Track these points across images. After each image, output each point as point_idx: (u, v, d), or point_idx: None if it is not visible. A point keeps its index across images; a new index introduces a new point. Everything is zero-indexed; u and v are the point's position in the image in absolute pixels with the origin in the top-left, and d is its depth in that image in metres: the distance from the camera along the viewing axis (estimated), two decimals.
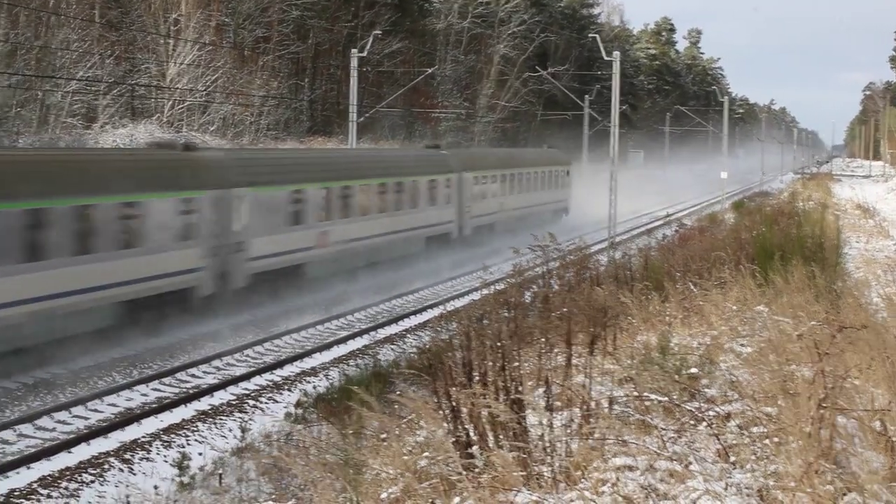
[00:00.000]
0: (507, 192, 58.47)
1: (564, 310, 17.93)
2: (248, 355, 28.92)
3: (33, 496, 17.88)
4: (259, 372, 26.88)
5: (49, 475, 18.83)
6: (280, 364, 27.80)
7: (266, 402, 24.14)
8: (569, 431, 12.42)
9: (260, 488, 16.98)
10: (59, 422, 22.15)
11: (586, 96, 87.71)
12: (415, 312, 35.57)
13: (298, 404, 22.22)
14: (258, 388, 25.45)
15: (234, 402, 24.01)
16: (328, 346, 30.05)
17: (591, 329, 15.47)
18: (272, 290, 35.29)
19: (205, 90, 64.02)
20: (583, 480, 11.14)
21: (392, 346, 29.93)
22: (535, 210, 62.41)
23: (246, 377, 26.27)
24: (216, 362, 27.84)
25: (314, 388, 24.63)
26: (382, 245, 43.08)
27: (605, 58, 55.12)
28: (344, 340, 30.88)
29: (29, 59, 53.65)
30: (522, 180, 61.69)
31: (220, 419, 22.66)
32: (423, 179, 47.70)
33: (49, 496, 18.03)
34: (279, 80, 73.99)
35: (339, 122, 71.49)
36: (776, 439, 10.86)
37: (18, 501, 17.59)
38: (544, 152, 74.10)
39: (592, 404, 13.19)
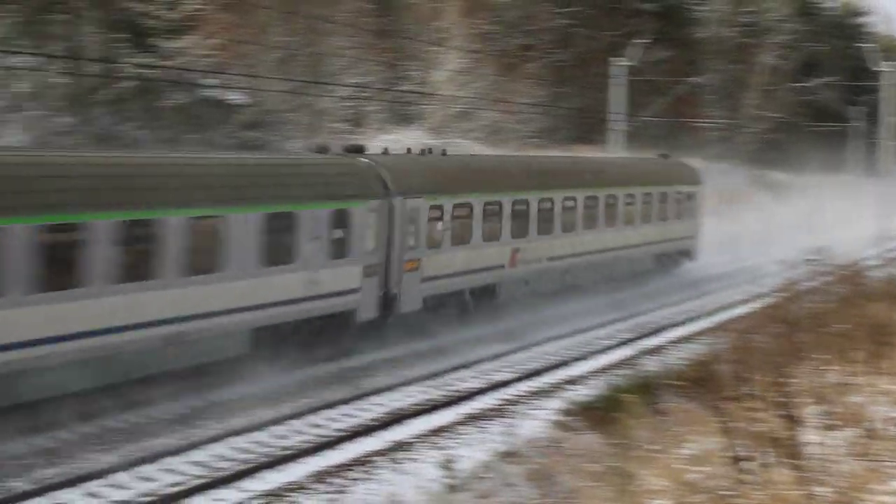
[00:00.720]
0: (534, 230, 34.92)
1: (841, 326, 17.47)
2: (509, 361, 29.15)
3: (306, 490, 18.41)
4: (522, 379, 27.12)
5: (319, 471, 19.34)
6: (539, 372, 28.03)
7: (530, 409, 24.26)
8: (847, 451, 12.15)
9: (525, 493, 17.06)
10: (328, 419, 22.75)
11: (856, 107, 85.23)
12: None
13: (567, 412, 22.24)
14: (522, 393, 25.64)
15: (497, 407, 24.23)
16: (586, 357, 30.18)
17: (870, 346, 15.07)
18: None
19: (468, 97, 64.87)
20: (860, 502, 10.91)
21: (655, 358, 29.76)
22: (617, 256, 40.19)
23: (509, 383, 26.54)
24: (481, 366, 28.24)
25: (576, 395, 24.64)
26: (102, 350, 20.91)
27: (872, 68, 53.62)
28: (604, 351, 30.90)
29: (296, 65, 55.23)
30: (579, 208, 37.52)
31: (484, 423, 22.87)
32: (248, 215, 24.01)
33: (318, 491, 18.53)
34: (544, 88, 74.37)
35: (603, 130, 71.34)
36: None
37: (293, 494, 18.16)
38: (645, 163, 48.03)
39: (872, 424, 12.86)
